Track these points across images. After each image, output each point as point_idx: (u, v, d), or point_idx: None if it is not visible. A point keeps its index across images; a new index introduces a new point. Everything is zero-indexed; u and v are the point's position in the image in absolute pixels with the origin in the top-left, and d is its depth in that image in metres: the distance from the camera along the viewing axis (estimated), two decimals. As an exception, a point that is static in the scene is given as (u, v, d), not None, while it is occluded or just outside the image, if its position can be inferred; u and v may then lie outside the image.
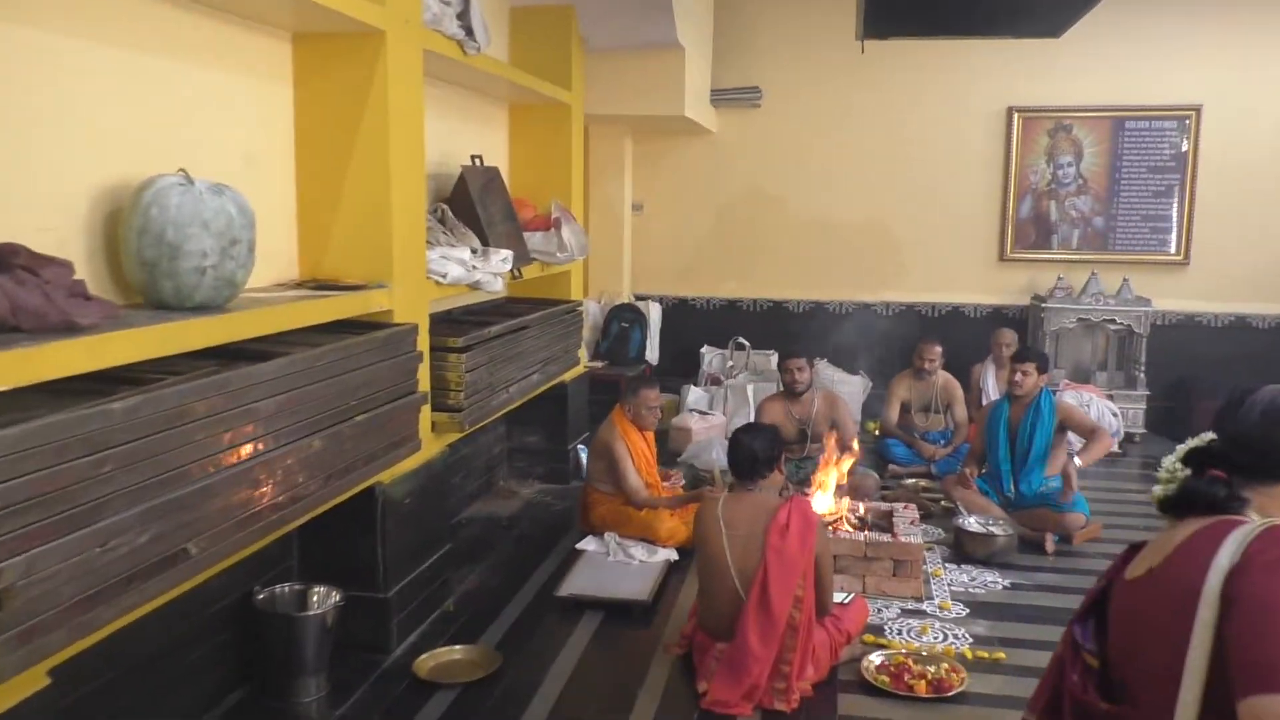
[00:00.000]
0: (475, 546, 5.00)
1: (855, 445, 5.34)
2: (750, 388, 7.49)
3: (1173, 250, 7.67)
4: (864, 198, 8.00)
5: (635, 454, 5.07)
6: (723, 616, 3.45)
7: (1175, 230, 7.64)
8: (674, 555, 4.78)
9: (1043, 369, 5.37)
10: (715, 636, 3.47)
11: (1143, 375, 7.42)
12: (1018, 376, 5.30)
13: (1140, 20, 7.40)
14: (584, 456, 6.22)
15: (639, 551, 4.75)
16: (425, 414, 3.90)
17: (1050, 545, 5.02)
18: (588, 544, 4.91)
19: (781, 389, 5.80)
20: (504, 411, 4.85)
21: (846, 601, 3.89)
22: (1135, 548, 1.76)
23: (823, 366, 7.50)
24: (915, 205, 7.93)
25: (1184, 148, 7.54)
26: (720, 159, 8.18)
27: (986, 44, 7.29)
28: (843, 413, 5.75)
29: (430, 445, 4.01)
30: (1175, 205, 7.62)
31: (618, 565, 4.66)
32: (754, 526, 3.44)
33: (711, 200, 8.25)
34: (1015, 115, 7.71)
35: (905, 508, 4.93)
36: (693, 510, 5.06)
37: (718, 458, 6.47)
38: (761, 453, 3.57)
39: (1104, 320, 7.48)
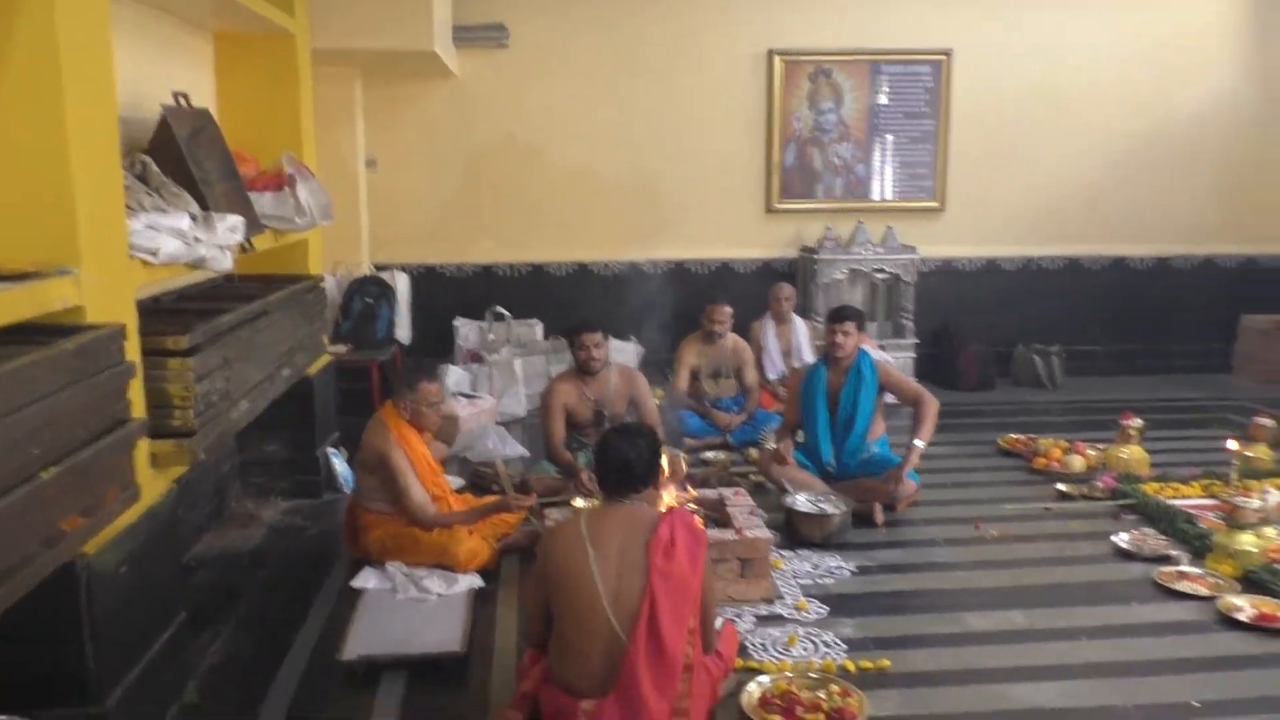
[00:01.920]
0: (213, 599, 3.87)
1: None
2: (518, 363, 6.68)
3: (930, 196, 7.63)
4: (625, 148, 7.35)
5: (417, 462, 4.13)
6: (592, 666, 2.65)
7: (932, 176, 7.60)
8: (478, 582, 3.93)
9: (860, 326, 4.97)
10: (579, 693, 2.68)
11: (911, 323, 7.35)
12: (838, 338, 4.86)
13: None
14: (338, 462, 5.17)
15: (435, 583, 3.85)
16: (143, 447, 2.79)
17: (880, 516, 4.65)
18: (366, 579, 3.93)
19: (573, 366, 5.05)
20: (247, 423, 3.76)
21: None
22: None
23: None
24: (679, 156, 7.39)
25: (938, 92, 7.48)
26: (465, 106, 7.21)
27: (746, -19, 6.82)
28: (643, 390, 5.09)
29: (151, 487, 2.90)
30: (931, 151, 7.57)
31: (411, 605, 3.74)
32: (630, 547, 2.67)
33: (457, 153, 7.28)
34: (776, 59, 7.33)
35: (737, 493, 4.36)
36: (495, 524, 4.25)
37: (495, 448, 5.65)
38: (639, 463, 2.80)
39: (873, 270, 7.32)
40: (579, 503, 4.28)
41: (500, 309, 7.10)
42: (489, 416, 6.15)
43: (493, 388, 6.55)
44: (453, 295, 7.30)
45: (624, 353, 6.82)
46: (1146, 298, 7.82)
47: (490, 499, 4.34)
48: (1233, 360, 7.81)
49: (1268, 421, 5.46)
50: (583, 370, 4.96)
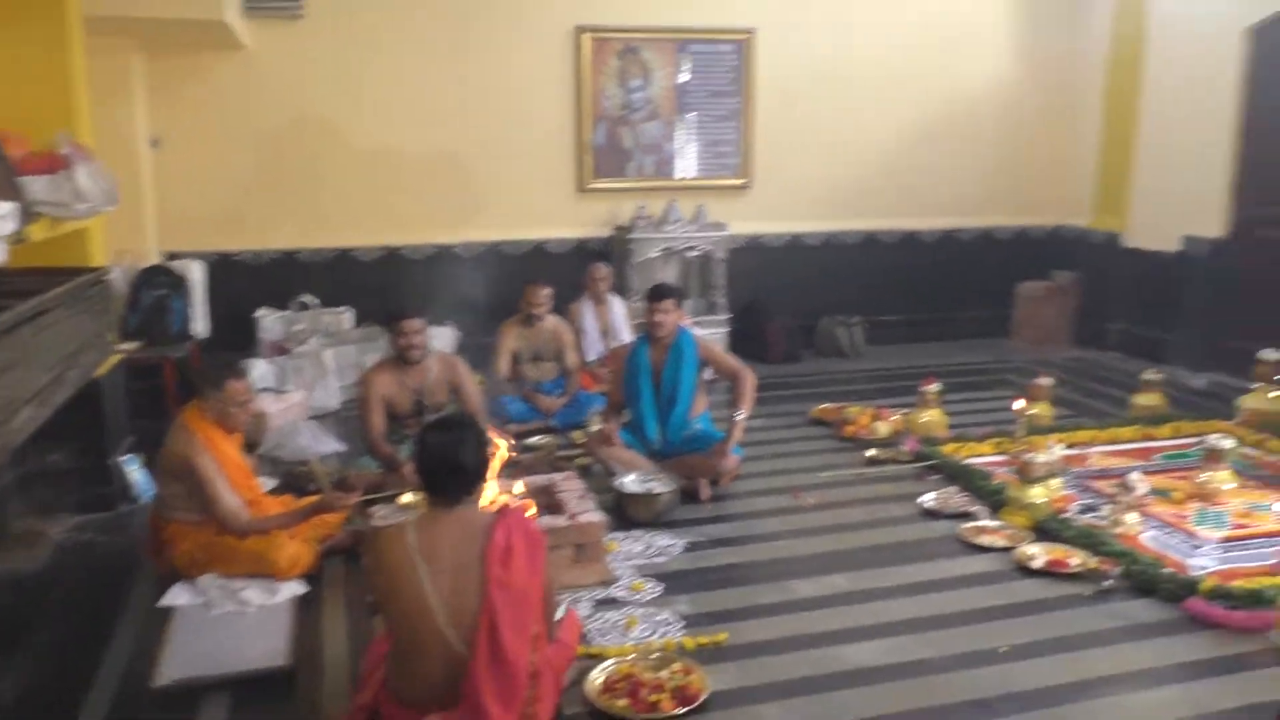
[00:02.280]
0: None
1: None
2: (328, 354, 6.40)
3: (737, 174, 7.82)
4: (432, 126, 7.14)
5: (227, 466, 3.88)
6: (433, 680, 2.57)
7: (738, 154, 7.79)
8: (301, 589, 3.74)
9: (679, 303, 5.04)
10: (420, 708, 2.59)
11: (723, 300, 7.53)
12: (658, 316, 4.90)
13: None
14: (133, 470, 4.79)
15: (254, 594, 3.63)
16: (-92, 472, 2.48)
17: (706, 491, 4.74)
18: (176, 596, 3.67)
19: (391, 355, 4.87)
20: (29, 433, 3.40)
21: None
22: None
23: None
24: (489, 135, 7.25)
25: (741, 71, 7.65)
26: (258, 81, 6.80)
27: (550, -44, 6.73)
28: (464, 377, 4.97)
29: (-79, 515, 2.58)
30: (736, 129, 7.75)
31: (228, 620, 3.52)
32: (464, 556, 2.58)
33: (252, 132, 6.86)
34: (585, 35, 7.29)
35: (566, 478, 4.33)
36: (316, 526, 4.06)
37: (309, 445, 5.40)
38: (469, 462, 2.67)
39: (685, 248, 7.45)
40: (407, 497, 4.15)
41: (306, 297, 6.76)
42: (299, 412, 5.87)
43: (301, 381, 6.24)
44: (253, 284, 6.90)
45: (441, 338, 6.65)
46: (935, 269, 8.32)
47: (309, 499, 4.13)
48: (1011, 325, 8.44)
49: (1045, 381, 5.93)
50: (402, 359, 4.80)
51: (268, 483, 4.67)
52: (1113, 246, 7.89)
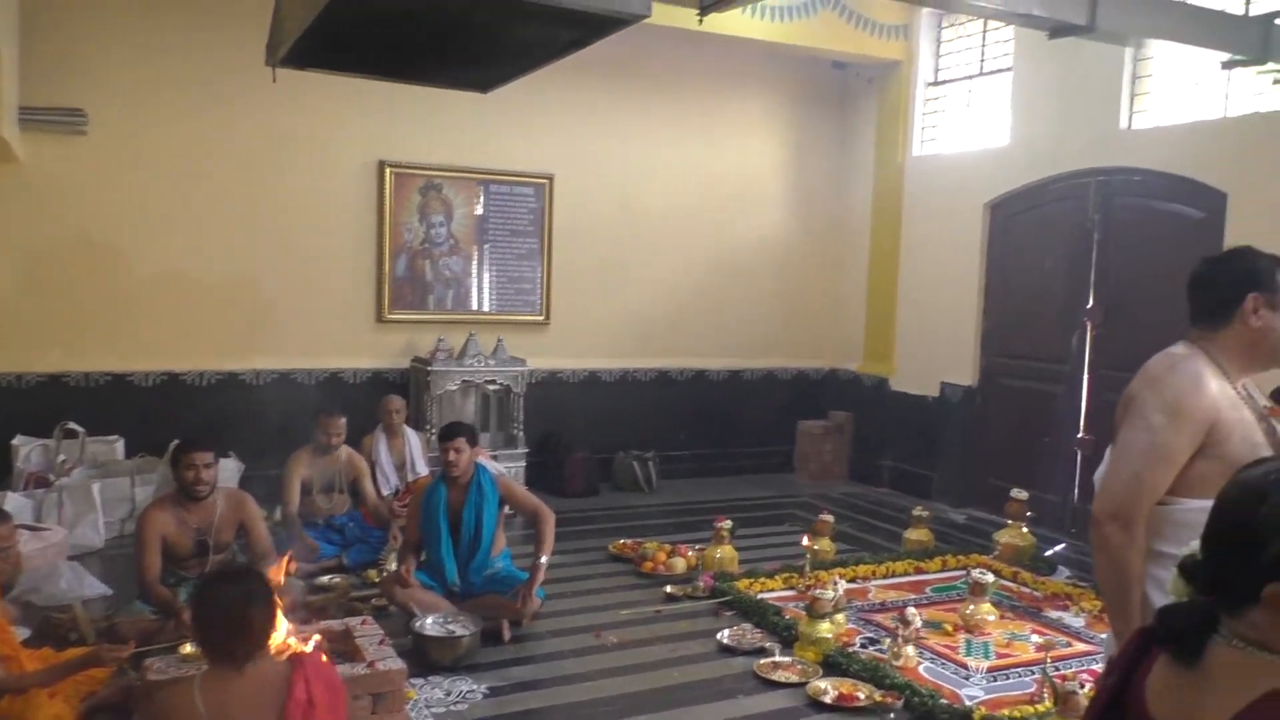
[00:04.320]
0: None
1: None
2: (95, 486, 5.93)
3: (536, 311, 8.00)
4: (228, 251, 6.93)
5: (-20, 617, 3.50)
6: None
7: (538, 291, 7.99)
8: (62, 754, 3.37)
9: (473, 441, 5.02)
10: None
11: (521, 433, 7.58)
12: (450, 456, 4.86)
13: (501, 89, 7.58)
14: None
15: (4, 763, 3.25)
16: None
17: (507, 633, 4.68)
18: (-93, 769, 3.22)
19: (172, 490, 4.57)
20: None
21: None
22: (1147, 639, 1.36)
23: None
24: (287, 262, 7.10)
25: (541, 213, 7.92)
26: (30, 197, 6.41)
27: (358, 93, 6.79)
28: (253, 514, 4.73)
29: None
30: (536, 268, 7.96)
31: (-28, 794, 3.12)
32: (262, 716, 2.44)
33: (17, 250, 6.43)
34: (387, 170, 7.36)
35: (364, 622, 4.16)
36: (79, 682, 3.69)
37: (70, 588, 4.94)
38: (259, 620, 2.52)
39: (485, 381, 7.48)
40: (187, 648, 3.85)
41: (73, 425, 6.27)
42: (59, 551, 5.36)
43: (63, 516, 5.73)
44: (11, 409, 6.34)
45: (224, 470, 6.29)
46: (723, 406, 8.73)
47: (73, 652, 3.76)
48: (793, 461, 8.92)
49: (828, 517, 6.29)
50: (186, 494, 4.52)
51: (21, 632, 4.22)
52: (882, 389, 8.57)
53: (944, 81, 8.32)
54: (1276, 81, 5.89)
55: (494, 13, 3.28)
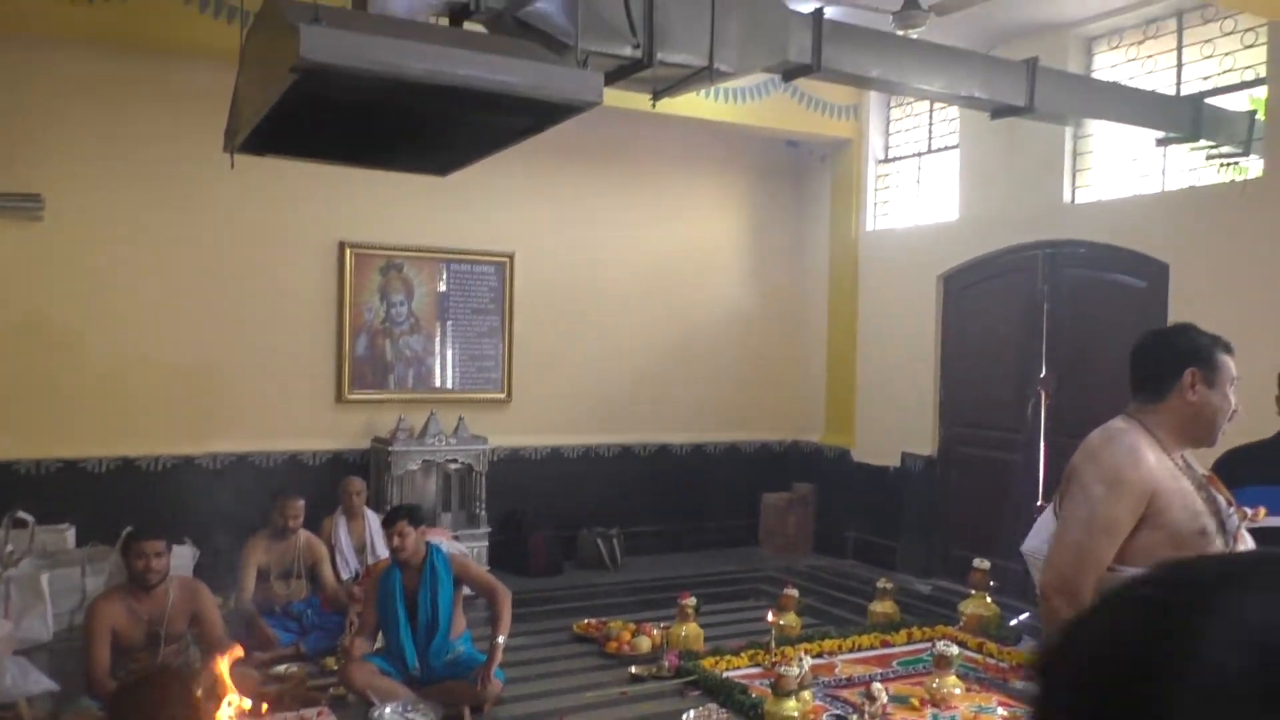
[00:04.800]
0: None
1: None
2: (44, 577, 5.74)
3: (498, 388, 8.00)
4: (185, 334, 6.88)
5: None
6: None
7: (499, 369, 7.99)
8: None
9: (416, 522, 4.94)
10: None
11: (483, 512, 7.51)
12: (395, 541, 4.79)
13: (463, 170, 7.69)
14: None
15: None
16: None
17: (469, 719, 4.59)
18: None
19: (123, 579, 4.48)
20: None
21: None
22: None
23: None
24: (245, 344, 7.06)
25: (502, 291, 7.97)
26: (-15, 282, 6.35)
27: (317, 174, 6.81)
28: (206, 604, 4.64)
29: None
30: (497, 345, 7.98)
31: None
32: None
33: (-29, 334, 6.34)
34: (347, 250, 7.39)
35: (320, 714, 4.07)
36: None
37: (16, 684, 4.76)
38: None
39: (446, 460, 7.43)
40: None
41: (22, 514, 6.11)
42: (4, 646, 5.17)
43: (9, 609, 5.54)
44: (-43, 498, 6.18)
45: (179, 557, 6.16)
46: (687, 480, 8.72)
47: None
48: (758, 534, 8.89)
49: (793, 592, 6.27)
50: (137, 584, 4.42)
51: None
52: (844, 460, 8.62)
53: (894, 159, 8.55)
54: (1209, 157, 6.13)
55: (449, 102, 3.35)
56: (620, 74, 4.02)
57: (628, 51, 3.83)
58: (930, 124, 8.17)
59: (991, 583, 6.30)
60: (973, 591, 6.27)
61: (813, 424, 9.02)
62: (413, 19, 3.55)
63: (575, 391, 8.27)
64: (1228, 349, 2.42)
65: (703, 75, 4.09)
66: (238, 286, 7.06)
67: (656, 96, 4.42)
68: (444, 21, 3.90)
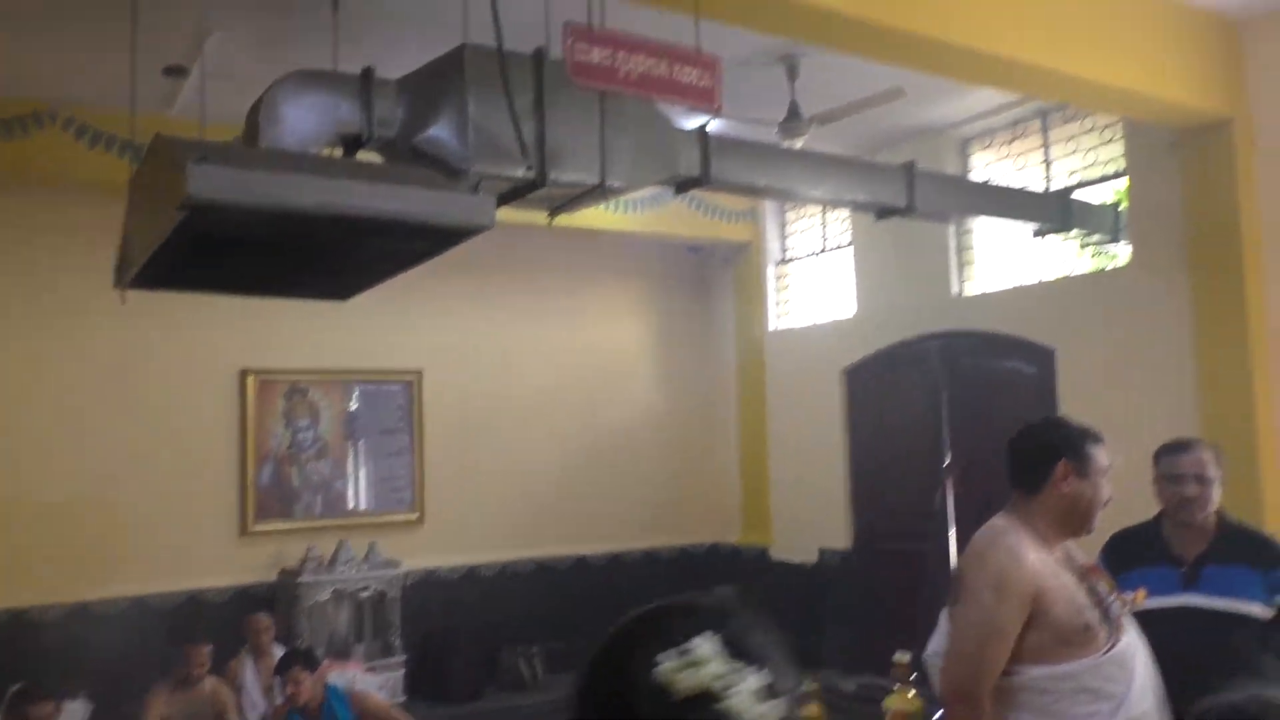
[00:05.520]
0: None
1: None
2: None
3: (410, 508, 7.83)
4: (76, 471, 6.61)
5: None
6: None
7: (410, 489, 7.84)
8: None
9: (312, 665, 4.76)
10: None
11: (398, 640, 7.26)
12: (290, 689, 4.64)
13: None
14: None
15: None
16: None
17: None
18: None
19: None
20: None
21: None
22: None
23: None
24: (142, 479, 6.80)
25: (411, 409, 7.87)
26: None
27: (215, 303, 6.70)
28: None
29: None
30: (408, 465, 7.85)
31: None
32: None
33: None
34: (249, 377, 7.25)
35: None
36: None
37: None
38: None
39: (358, 588, 7.19)
40: None
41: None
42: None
43: (-121, 785, 5.12)
44: None
45: (71, 715, 5.79)
46: (606, 591, 8.56)
47: None
48: (683, 640, 8.75)
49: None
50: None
51: None
52: (764, 559, 8.61)
53: (792, 259, 8.83)
54: (1082, 246, 6.50)
55: (343, 231, 3.37)
56: (515, 194, 4.11)
57: (521, 173, 3.91)
58: (824, 224, 8.49)
59: (913, 675, 6.28)
60: (896, 686, 6.25)
61: (730, 525, 9.03)
62: (304, 151, 3.59)
63: (490, 507, 8.14)
64: (1097, 439, 2.48)
65: (596, 192, 4.20)
66: (135, 419, 6.83)
67: (553, 214, 4.52)
68: (338, 152, 3.95)
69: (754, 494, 8.80)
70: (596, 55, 3.47)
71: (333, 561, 7.08)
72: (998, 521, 2.42)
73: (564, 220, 5.04)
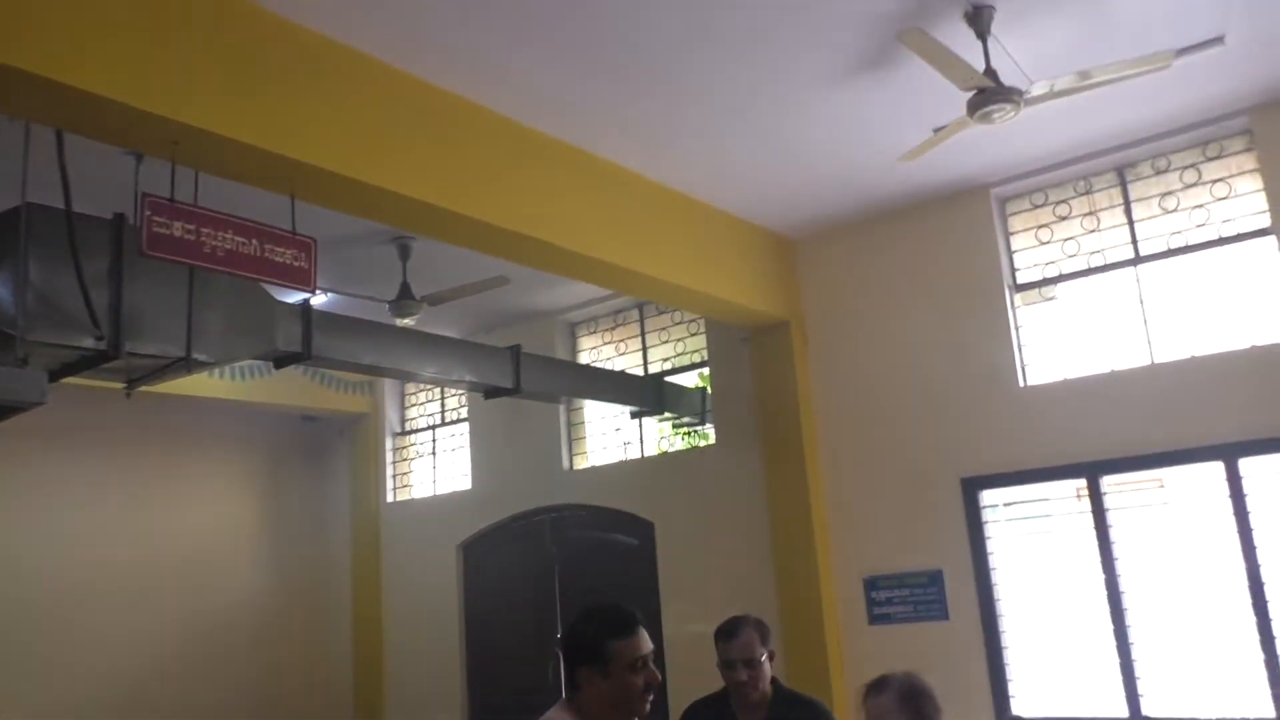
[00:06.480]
0: None
1: None
2: None
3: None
4: None
5: None
6: None
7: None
8: None
9: None
10: None
11: None
12: None
13: None
14: None
15: None
16: None
17: None
18: None
19: None
20: None
21: None
22: None
23: None
24: None
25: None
26: None
27: None
28: None
29: None
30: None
31: None
32: None
33: None
34: None
35: None
36: None
37: None
38: None
39: None
40: None
41: None
42: None
43: None
44: None
45: None
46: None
47: None
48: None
49: None
50: None
51: None
52: (374, 747, 8.12)
53: (411, 431, 8.79)
54: (675, 427, 7.09)
55: None
56: (84, 365, 3.80)
57: (90, 343, 3.63)
58: (443, 397, 8.58)
59: None
60: None
61: (342, 708, 8.47)
62: None
63: (72, 705, 7.00)
64: (624, 632, 2.41)
65: (180, 365, 3.98)
66: None
67: (131, 385, 4.21)
68: None
69: (368, 673, 8.37)
70: (179, 229, 3.36)
71: None
72: (553, 713, 2.42)
73: (168, 386, 4.71)
